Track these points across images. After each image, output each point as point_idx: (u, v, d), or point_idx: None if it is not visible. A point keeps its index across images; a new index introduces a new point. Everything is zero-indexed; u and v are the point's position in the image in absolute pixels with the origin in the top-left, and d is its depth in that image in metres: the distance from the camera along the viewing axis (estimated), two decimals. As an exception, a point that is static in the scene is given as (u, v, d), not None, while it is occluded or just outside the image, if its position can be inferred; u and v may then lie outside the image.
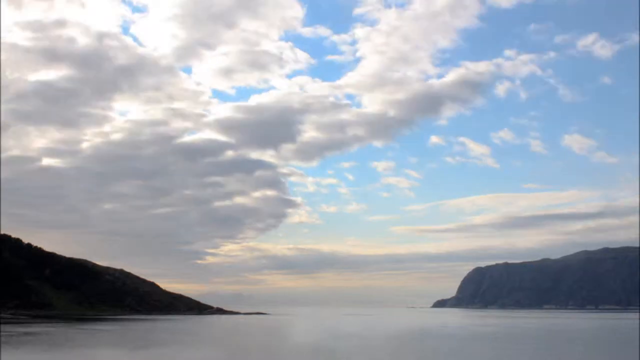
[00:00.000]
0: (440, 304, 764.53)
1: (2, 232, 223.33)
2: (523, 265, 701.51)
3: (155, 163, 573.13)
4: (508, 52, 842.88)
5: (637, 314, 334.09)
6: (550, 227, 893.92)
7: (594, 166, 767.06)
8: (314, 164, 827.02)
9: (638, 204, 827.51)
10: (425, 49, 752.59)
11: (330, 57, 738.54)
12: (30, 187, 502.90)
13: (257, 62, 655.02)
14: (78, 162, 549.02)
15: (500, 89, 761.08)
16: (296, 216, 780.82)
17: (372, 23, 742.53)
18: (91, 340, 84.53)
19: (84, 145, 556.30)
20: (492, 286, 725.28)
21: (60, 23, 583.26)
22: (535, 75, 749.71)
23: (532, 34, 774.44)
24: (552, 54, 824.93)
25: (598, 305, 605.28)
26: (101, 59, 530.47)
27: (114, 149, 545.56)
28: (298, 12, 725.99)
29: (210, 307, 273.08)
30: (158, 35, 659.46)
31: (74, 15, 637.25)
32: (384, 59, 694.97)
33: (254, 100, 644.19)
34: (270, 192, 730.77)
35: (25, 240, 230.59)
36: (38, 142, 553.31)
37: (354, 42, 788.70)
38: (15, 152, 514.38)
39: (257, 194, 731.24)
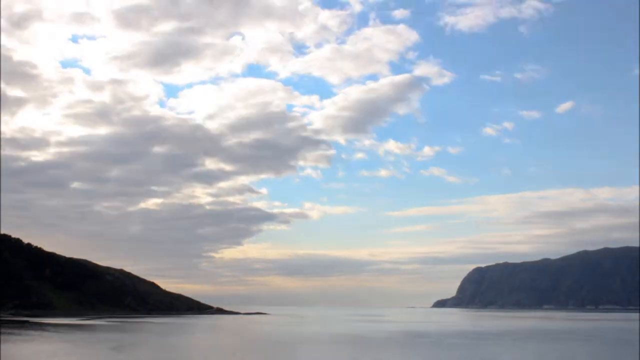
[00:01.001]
0: (441, 304, 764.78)
1: (2, 232, 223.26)
2: (523, 265, 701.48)
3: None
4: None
5: (638, 314, 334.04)
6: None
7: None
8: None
9: (638, 203, 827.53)
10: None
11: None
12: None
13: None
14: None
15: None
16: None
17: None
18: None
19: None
20: (492, 286, 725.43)
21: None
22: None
23: None
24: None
25: (598, 305, 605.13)
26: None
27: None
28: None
29: (210, 307, 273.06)
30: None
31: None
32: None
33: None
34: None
35: (25, 240, 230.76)
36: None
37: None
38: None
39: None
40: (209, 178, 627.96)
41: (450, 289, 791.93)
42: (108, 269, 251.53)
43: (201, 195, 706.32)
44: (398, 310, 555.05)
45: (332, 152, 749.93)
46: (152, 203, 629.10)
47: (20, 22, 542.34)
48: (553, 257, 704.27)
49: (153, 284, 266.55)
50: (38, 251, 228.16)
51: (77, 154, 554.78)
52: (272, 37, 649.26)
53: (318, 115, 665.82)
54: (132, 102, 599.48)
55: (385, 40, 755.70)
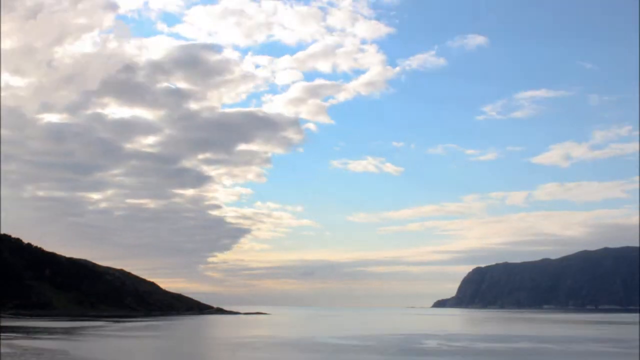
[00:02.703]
0: (441, 304, 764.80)
1: (2, 232, 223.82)
2: (523, 265, 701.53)
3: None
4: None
5: (638, 313, 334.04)
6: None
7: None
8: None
9: (638, 202, 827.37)
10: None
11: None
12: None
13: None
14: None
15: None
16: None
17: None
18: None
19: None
20: (492, 286, 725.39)
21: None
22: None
23: None
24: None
25: (598, 305, 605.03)
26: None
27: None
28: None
29: (210, 307, 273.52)
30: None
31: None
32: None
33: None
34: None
35: (25, 240, 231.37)
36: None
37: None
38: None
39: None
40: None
41: (450, 289, 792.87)
42: (108, 269, 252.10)
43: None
44: (399, 310, 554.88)
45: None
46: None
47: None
48: (553, 257, 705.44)
49: (153, 284, 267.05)
50: (38, 251, 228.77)
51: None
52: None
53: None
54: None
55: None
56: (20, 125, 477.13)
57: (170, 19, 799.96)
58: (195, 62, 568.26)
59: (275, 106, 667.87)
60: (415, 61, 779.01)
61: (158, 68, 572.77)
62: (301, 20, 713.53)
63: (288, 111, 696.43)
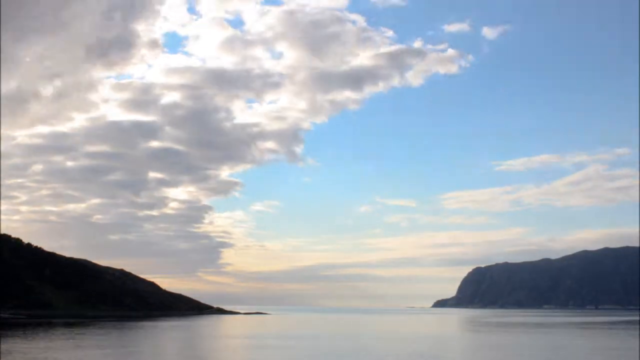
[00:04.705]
0: (441, 304, 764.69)
1: (2, 232, 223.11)
2: (523, 265, 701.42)
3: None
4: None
5: (638, 313, 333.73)
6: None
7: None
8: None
9: (638, 201, 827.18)
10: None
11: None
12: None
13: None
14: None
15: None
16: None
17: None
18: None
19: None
20: (492, 286, 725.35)
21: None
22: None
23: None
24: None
25: (598, 305, 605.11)
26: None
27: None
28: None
29: (210, 307, 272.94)
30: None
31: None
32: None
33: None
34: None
35: (25, 240, 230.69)
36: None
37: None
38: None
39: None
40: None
41: (451, 289, 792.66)
42: (108, 269, 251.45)
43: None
44: (398, 310, 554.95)
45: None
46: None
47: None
48: (553, 257, 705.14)
49: (153, 284, 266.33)
50: (38, 251, 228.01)
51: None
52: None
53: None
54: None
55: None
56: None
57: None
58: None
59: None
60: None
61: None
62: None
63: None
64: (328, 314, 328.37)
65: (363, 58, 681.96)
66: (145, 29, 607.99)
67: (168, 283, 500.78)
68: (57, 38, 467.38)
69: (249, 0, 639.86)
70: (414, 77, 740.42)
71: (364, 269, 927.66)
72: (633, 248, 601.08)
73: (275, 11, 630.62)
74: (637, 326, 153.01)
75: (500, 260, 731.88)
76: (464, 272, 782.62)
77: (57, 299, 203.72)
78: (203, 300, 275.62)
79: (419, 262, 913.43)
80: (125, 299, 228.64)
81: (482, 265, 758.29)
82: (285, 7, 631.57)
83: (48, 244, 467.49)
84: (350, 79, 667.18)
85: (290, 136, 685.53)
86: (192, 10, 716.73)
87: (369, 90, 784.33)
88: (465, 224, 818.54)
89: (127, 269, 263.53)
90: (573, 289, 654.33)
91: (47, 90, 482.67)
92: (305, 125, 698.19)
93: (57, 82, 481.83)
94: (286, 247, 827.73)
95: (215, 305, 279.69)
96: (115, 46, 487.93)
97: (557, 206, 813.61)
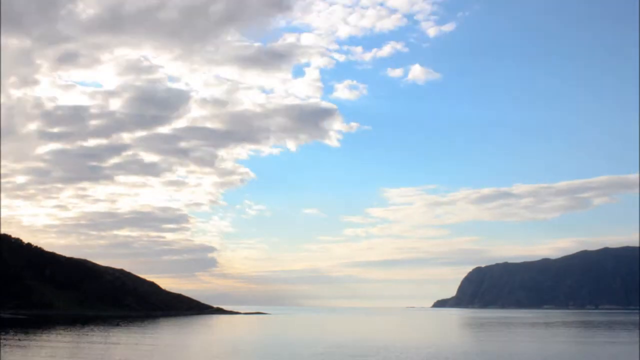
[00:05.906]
0: (441, 304, 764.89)
1: (2, 232, 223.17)
2: (523, 265, 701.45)
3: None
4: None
5: (638, 313, 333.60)
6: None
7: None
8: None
9: (638, 201, 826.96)
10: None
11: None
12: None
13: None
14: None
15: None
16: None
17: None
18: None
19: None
20: (492, 286, 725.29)
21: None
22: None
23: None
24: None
25: (598, 305, 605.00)
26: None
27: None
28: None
29: (210, 307, 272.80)
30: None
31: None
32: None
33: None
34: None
35: (25, 240, 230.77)
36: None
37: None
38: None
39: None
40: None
41: (451, 289, 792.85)
42: (108, 269, 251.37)
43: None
44: (398, 310, 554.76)
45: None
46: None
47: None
48: (553, 257, 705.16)
49: (153, 284, 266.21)
50: (38, 251, 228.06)
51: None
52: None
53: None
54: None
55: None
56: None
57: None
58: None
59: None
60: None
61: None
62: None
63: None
64: (327, 314, 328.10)
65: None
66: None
67: (168, 283, 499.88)
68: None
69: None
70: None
71: (364, 269, 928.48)
72: (633, 248, 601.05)
73: None
74: (637, 326, 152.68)
75: (500, 260, 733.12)
76: (464, 272, 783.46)
77: (57, 299, 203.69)
78: (203, 300, 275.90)
79: (420, 262, 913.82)
80: (125, 299, 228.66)
81: (482, 265, 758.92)
82: None
83: (48, 244, 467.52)
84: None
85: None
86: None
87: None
88: (465, 224, 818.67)
89: (127, 269, 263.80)
90: (573, 289, 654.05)
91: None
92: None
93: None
94: (285, 247, 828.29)
95: (215, 306, 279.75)
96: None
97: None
